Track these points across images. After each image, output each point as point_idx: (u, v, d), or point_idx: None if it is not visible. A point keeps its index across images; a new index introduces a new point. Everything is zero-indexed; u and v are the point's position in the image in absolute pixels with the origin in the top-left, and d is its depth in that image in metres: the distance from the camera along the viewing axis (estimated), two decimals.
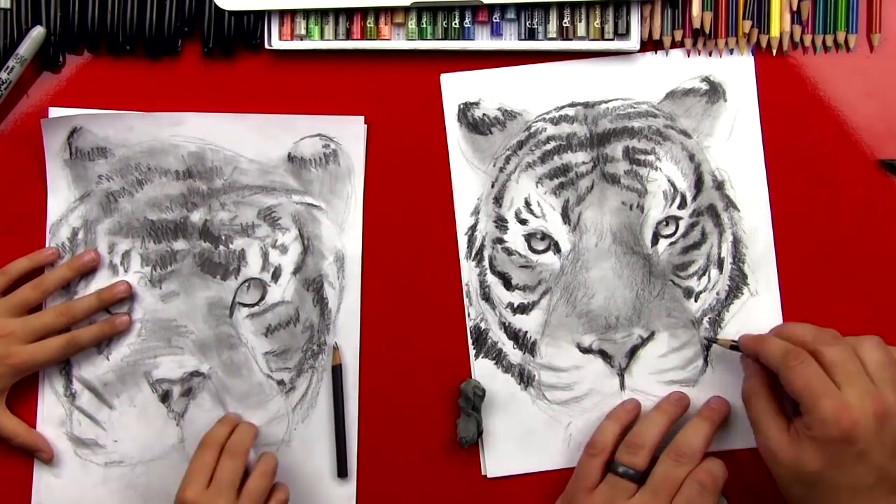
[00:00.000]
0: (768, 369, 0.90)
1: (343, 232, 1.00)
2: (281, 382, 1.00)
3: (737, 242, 0.98)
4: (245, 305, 0.99)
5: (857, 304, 0.98)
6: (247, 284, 0.99)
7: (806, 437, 0.84)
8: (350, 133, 0.99)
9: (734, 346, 0.94)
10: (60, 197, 1.00)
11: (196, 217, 0.99)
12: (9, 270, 0.98)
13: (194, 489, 0.91)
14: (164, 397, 0.99)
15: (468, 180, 1.00)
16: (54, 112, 0.99)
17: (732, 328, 0.98)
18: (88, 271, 0.99)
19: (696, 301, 0.98)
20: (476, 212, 1.00)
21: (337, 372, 0.99)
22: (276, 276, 0.99)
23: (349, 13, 0.98)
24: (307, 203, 1.00)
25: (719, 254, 0.98)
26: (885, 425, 0.83)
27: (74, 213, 1.00)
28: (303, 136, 0.99)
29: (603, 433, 0.95)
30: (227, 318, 0.99)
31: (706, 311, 0.98)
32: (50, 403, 1.00)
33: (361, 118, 0.99)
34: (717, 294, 0.98)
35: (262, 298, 0.99)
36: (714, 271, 0.98)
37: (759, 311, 0.98)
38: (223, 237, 0.99)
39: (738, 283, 0.98)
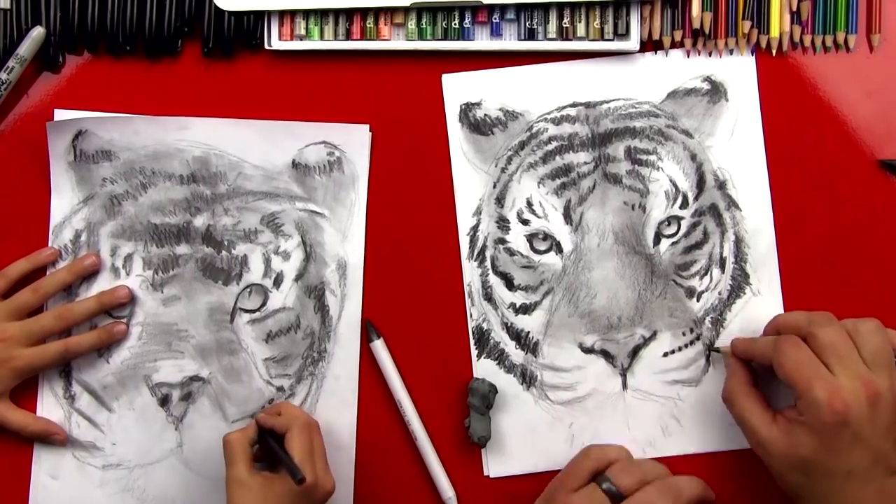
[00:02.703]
0: (749, 368, 0.89)
1: (346, 240, 0.97)
2: (280, 389, 0.97)
3: (739, 242, 0.95)
4: (246, 311, 0.96)
5: (859, 303, 0.94)
6: (248, 290, 0.96)
7: (798, 424, 0.82)
8: (355, 141, 0.96)
9: (716, 350, 0.94)
10: (64, 199, 0.97)
11: (199, 222, 0.96)
12: (8, 273, 0.95)
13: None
14: (164, 401, 0.96)
15: (470, 181, 0.96)
16: (59, 114, 0.96)
17: (735, 328, 0.95)
18: (88, 275, 0.96)
19: (698, 301, 0.95)
20: (478, 212, 0.96)
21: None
22: (277, 282, 0.96)
23: (349, 13, 0.95)
24: (310, 210, 0.97)
25: (721, 253, 0.95)
26: (878, 408, 0.80)
27: (78, 216, 0.97)
28: (307, 143, 0.96)
29: (610, 448, 0.93)
30: (227, 323, 0.96)
31: (708, 310, 0.95)
32: (49, 405, 0.97)
33: (366, 126, 0.96)
34: (720, 294, 0.95)
35: (264, 304, 0.96)
36: (716, 271, 0.95)
37: (761, 311, 0.94)
38: (226, 242, 0.96)
39: (740, 283, 0.95)
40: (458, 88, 0.96)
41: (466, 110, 0.96)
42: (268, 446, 0.90)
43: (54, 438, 0.95)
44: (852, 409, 0.79)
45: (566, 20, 0.93)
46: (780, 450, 0.83)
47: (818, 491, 0.82)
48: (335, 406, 0.96)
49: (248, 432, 0.90)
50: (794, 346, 0.83)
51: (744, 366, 0.89)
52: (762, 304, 0.94)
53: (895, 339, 0.85)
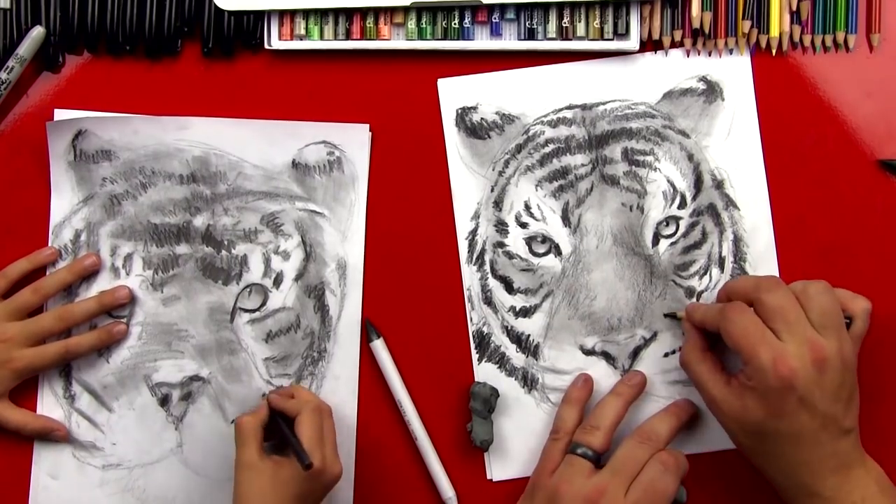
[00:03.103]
0: (705, 333, 0.88)
1: (346, 239, 0.96)
2: (280, 388, 0.95)
3: (737, 241, 0.94)
4: (246, 311, 0.95)
5: None
6: (248, 290, 0.95)
7: (747, 388, 0.81)
8: (355, 141, 0.95)
9: (671, 315, 0.93)
10: (64, 199, 0.96)
11: (199, 221, 0.95)
12: (8, 273, 0.94)
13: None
14: (164, 401, 0.95)
15: (468, 185, 0.95)
16: (59, 114, 0.96)
17: None
18: (89, 275, 0.95)
19: (697, 301, 0.94)
20: (476, 216, 0.96)
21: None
22: (277, 282, 0.95)
23: (349, 13, 0.94)
24: (310, 210, 0.96)
25: (720, 253, 0.94)
26: (825, 371, 0.80)
27: (78, 216, 0.96)
28: (307, 142, 0.95)
29: (562, 417, 0.92)
30: (227, 323, 0.95)
31: None
32: (49, 405, 0.96)
33: (366, 126, 0.95)
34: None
35: (264, 304, 0.95)
36: (715, 270, 0.94)
37: None
38: (226, 242, 0.95)
39: None
40: (453, 93, 0.95)
41: (462, 114, 0.95)
42: (278, 427, 0.90)
43: (55, 435, 0.95)
44: (798, 373, 0.78)
45: (566, 20, 0.92)
46: (732, 413, 0.82)
47: (770, 454, 0.82)
48: (335, 406, 0.95)
49: (260, 415, 0.89)
50: (740, 312, 0.82)
51: (698, 331, 0.88)
52: None
53: (845, 300, 0.84)
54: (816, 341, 0.80)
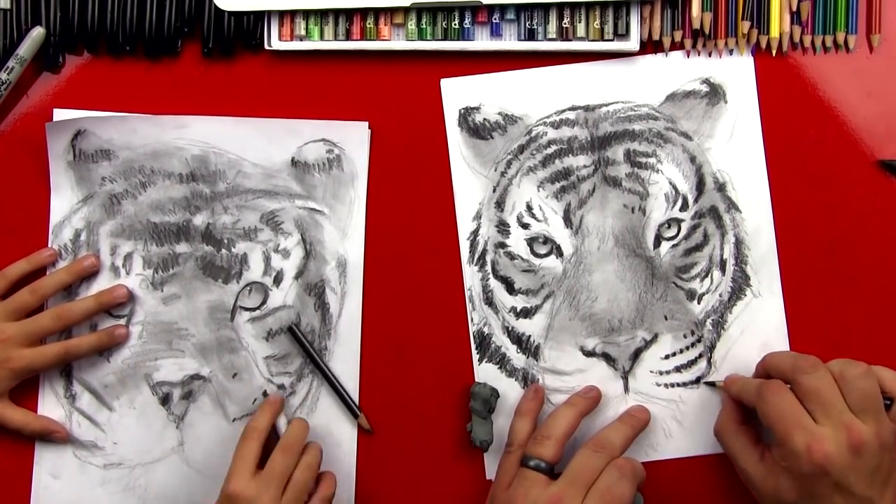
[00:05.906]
0: (741, 404, 0.88)
1: (346, 237, 0.95)
2: (281, 387, 0.95)
3: (739, 244, 0.94)
4: (246, 309, 0.95)
5: (859, 304, 0.93)
6: (248, 288, 0.95)
7: (781, 468, 0.81)
8: (354, 138, 0.95)
9: (710, 384, 0.93)
10: (64, 198, 0.95)
11: (199, 220, 0.94)
12: (7, 274, 0.94)
13: (239, 481, 0.86)
14: (165, 400, 0.95)
15: (470, 185, 0.95)
16: (59, 114, 0.95)
17: (736, 329, 0.93)
18: (87, 276, 0.95)
19: (698, 303, 0.93)
20: (478, 216, 0.95)
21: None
22: (277, 280, 0.95)
23: (349, 13, 0.93)
24: (310, 208, 0.95)
25: (721, 255, 0.93)
26: (862, 455, 0.78)
27: (77, 215, 0.95)
28: (307, 140, 0.95)
29: (514, 430, 0.91)
30: (228, 321, 0.95)
31: (709, 312, 0.93)
32: (50, 404, 0.96)
33: (365, 124, 0.95)
34: (720, 296, 0.93)
35: (264, 302, 0.95)
36: (716, 273, 0.93)
37: (762, 313, 0.93)
38: (226, 241, 0.95)
39: (740, 285, 0.94)
40: (456, 93, 0.94)
41: (465, 115, 0.94)
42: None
43: (55, 436, 0.94)
44: (833, 458, 0.78)
45: (566, 20, 0.92)
46: (765, 489, 0.82)
47: None
48: (336, 403, 0.95)
49: None
50: (776, 393, 0.82)
51: (735, 402, 0.89)
52: (763, 306, 0.93)
53: (887, 381, 0.83)
54: (853, 425, 0.79)
